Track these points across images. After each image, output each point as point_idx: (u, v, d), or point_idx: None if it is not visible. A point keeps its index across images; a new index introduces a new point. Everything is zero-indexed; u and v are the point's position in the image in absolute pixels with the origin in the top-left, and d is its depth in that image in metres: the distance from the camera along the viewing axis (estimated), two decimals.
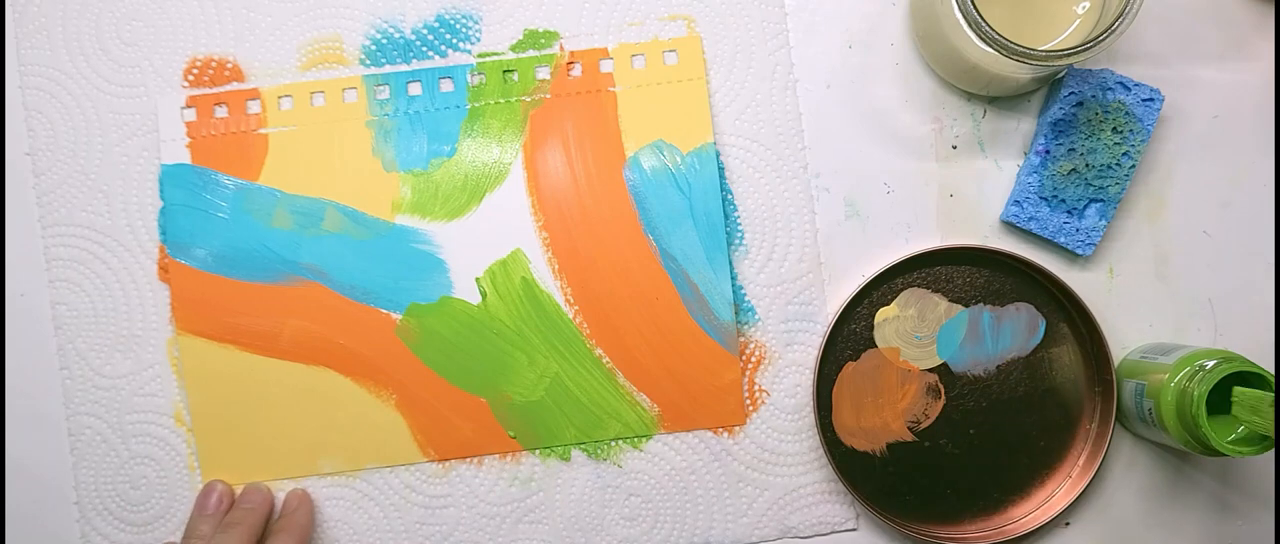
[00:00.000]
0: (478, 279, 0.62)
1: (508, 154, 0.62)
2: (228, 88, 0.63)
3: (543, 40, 0.63)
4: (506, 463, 0.62)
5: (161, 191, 0.62)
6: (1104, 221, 0.61)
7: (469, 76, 0.63)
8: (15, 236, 0.62)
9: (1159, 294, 0.63)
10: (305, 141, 0.62)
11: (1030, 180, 0.61)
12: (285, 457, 0.62)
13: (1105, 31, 0.53)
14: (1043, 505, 0.62)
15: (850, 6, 0.63)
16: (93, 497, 0.62)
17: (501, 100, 0.62)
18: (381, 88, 0.63)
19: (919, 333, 0.62)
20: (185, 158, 0.62)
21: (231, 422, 0.62)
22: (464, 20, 0.63)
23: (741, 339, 0.62)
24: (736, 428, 0.62)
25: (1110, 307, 0.63)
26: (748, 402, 0.62)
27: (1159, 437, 0.59)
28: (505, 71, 0.63)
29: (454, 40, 0.63)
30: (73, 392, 0.62)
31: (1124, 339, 0.63)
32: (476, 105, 0.62)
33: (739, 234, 0.62)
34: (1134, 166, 0.61)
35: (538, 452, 0.62)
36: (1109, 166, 0.61)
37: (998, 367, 0.62)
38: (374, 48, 0.63)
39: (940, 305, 0.62)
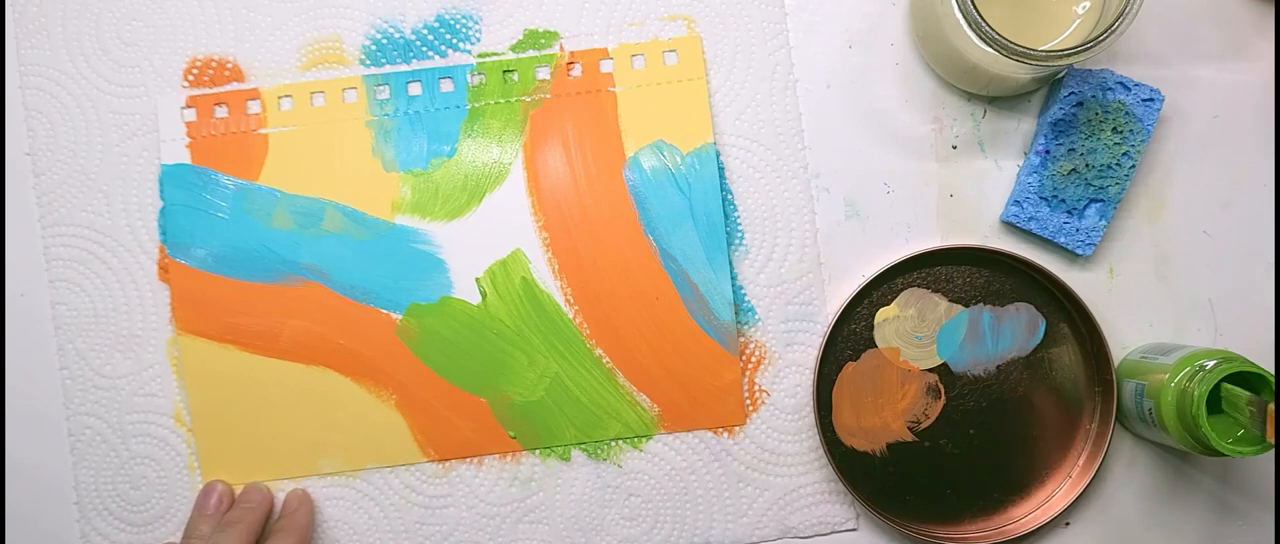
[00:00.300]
0: (478, 279, 0.62)
1: (508, 154, 0.62)
2: (228, 88, 0.63)
3: (543, 40, 0.63)
4: (506, 463, 0.62)
5: (161, 191, 0.62)
6: (1104, 221, 0.61)
7: (469, 76, 0.63)
8: (15, 236, 0.62)
9: (1159, 294, 0.63)
10: (305, 141, 0.62)
11: (1030, 180, 0.61)
12: (285, 457, 0.62)
13: (1105, 31, 0.53)
14: (1043, 505, 0.62)
15: (850, 6, 0.63)
16: (93, 497, 0.62)
17: (501, 100, 0.62)
18: (381, 88, 0.63)
19: (919, 333, 0.62)
20: (185, 158, 0.62)
21: (231, 422, 0.62)
22: (464, 20, 0.63)
23: (741, 339, 0.62)
24: (736, 428, 0.62)
25: (1110, 307, 0.63)
26: (748, 402, 0.62)
27: (1159, 437, 0.59)
28: (505, 71, 0.63)
29: (454, 40, 0.63)
30: (73, 392, 0.62)
31: (1124, 339, 0.63)
32: (476, 105, 0.62)
33: (739, 234, 0.62)
34: (1134, 166, 0.61)
35: (538, 452, 0.62)
36: (1109, 166, 0.61)
37: (998, 367, 0.62)
38: (374, 48, 0.63)
39: (940, 305, 0.62)
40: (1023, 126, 0.63)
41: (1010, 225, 0.63)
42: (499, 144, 0.62)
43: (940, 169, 0.63)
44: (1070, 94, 0.60)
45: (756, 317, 0.62)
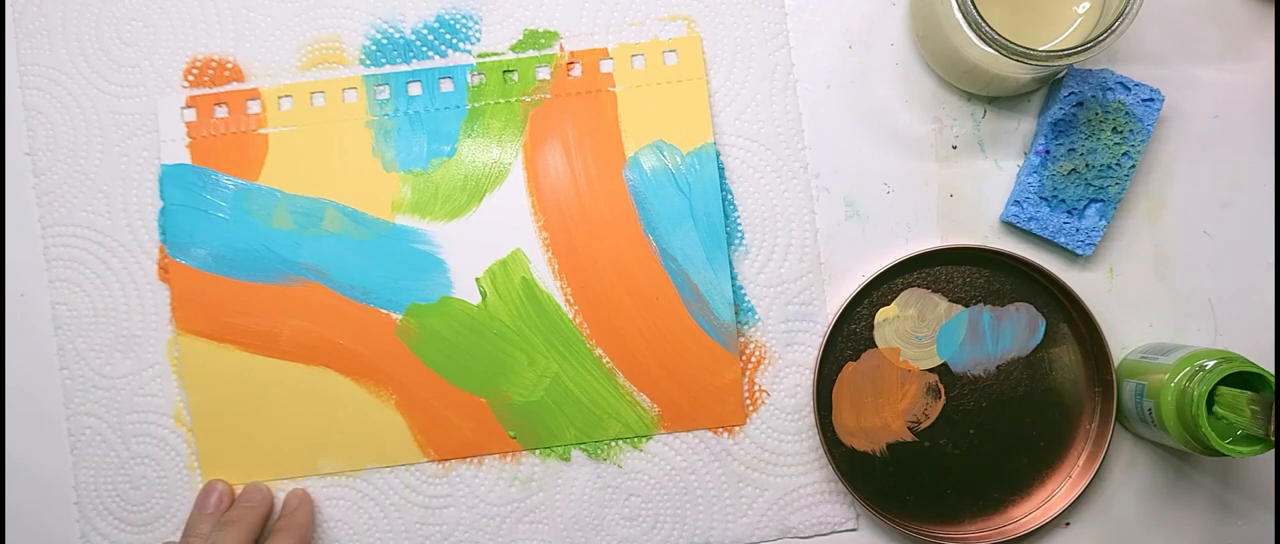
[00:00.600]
0: (478, 279, 0.62)
1: (508, 154, 0.62)
2: (228, 88, 0.63)
3: (543, 40, 0.63)
4: (506, 463, 0.62)
5: (161, 191, 0.62)
6: (1104, 221, 0.61)
7: (469, 76, 0.63)
8: (15, 236, 0.62)
9: (1159, 294, 0.63)
10: (305, 141, 0.62)
11: (1030, 180, 0.61)
12: (285, 457, 0.62)
13: (1105, 31, 0.53)
14: (1043, 505, 0.62)
15: (850, 6, 0.63)
16: (93, 497, 0.62)
17: (501, 100, 0.62)
18: (381, 88, 0.63)
19: (919, 333, 0.62)
20: (185, 158, 0.62)
21: (231, 422, 0.62)
22: (464, 20, 0.63)
23: (741, 339, 0.62)
24: (736, 428, 0.62)
25: (1110, 307, 0.63)
26: (748, 402, 0.62)
27: (1159, 437, 0.59)
28: (505, 71, 0.63)
29: (454, 40, 0.63)
30: (73, 392, 0.62)
31: (1124, 339, 0.63)
32: (476, 105, 0.62)
33: (739, 234, 0.62)
34: (1134, 166, 0.61)
35: (538, 452, 0.62)
36: (1109, 166, 0.61)
37: (998, 367, 0.62)
38: (374, 48, 0.63)
39: (940, 305, 0.62)
40: (1023, 126, 0.63)
41: (1010, 225, 0.63)
42: (499, 144, 0.62)
43: (940, 169, 0.63)
44: (1070, 94, 0.60)
45: (756, 317, 0.62)
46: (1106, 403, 0.61)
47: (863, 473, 0.62)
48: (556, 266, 0.62)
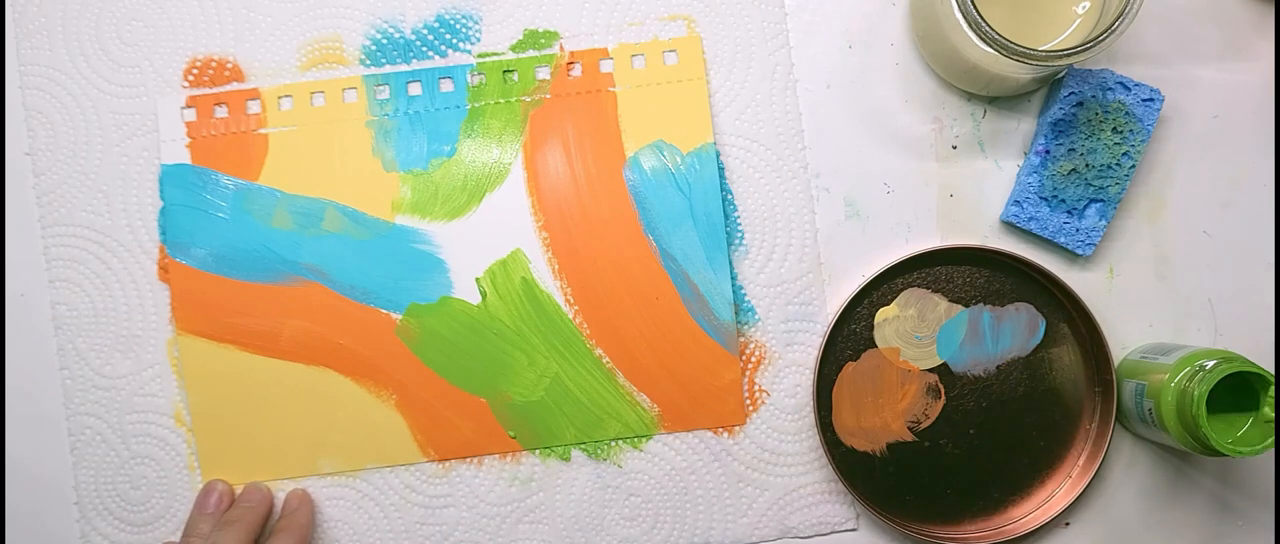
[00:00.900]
0: (478, 279, 0.62)
1: (508, 154, 0.62)
2: (228, 88, 0.63)
3: (543, 40, 0.63)
4: (506, 463, 0.62)
5: (161, 191, 0.62)
6: (1104, 221, 0.61)
7: (469, 76, 0.63)
8: (15, 236, 0.62)
9: (1159, 294, 0.63)
10: (305, 141, 0.62)
11: (1030, 180, 0.61)
12: (285, 457, 0.62)
13: (1105, 31, 0.53)
14: (1043, 505, 0.62)
15: (850, 6, 0.63)
16: (93, 497, 0.62)
17: (501, 100, 0.62)
18: (381, 88, 0.63)
19: (919, 333, 0.62)
20: (185, 158, 0.62)
21: (231, 422, 0.62)
22: (464, 20, 0.63)
23: (741, 339, 0.62)
24: (736, 428, 0.62)
25: (1110, 307, 0.63)
26: (748, 402, 0.62)
27: (1159, 437, 0.59)
28: (505, 71, 0.63)
29: (454, 40, 0.63)
30: (73, 392, 0.62)
31: (1124, 339, 0.63)
32: (476, 105, 0.62)
33: (739, 234, 0.62)
34: (1134, 166, 0.61)
35: (538, 452, 0.62)
36: (1109, 166, 0.61)
37: (998, 367, 0.62)
38: (374, 48, 0.63)
39: (940, 305, 0.62)
40: (1023, 126, 0.63)
41: (1010, 225, 0.63)
42: (499, 144, 0.62)
43: (940, 169, 0.63)
44: (1070, 94, 0.60)
45: (756, 317, 0.62)
46: (1106, 403, 0.61)
47: (863, 473, 0.62)
48: (556, 267, 0.62)
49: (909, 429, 0.62)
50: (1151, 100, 0.61)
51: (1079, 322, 0.62)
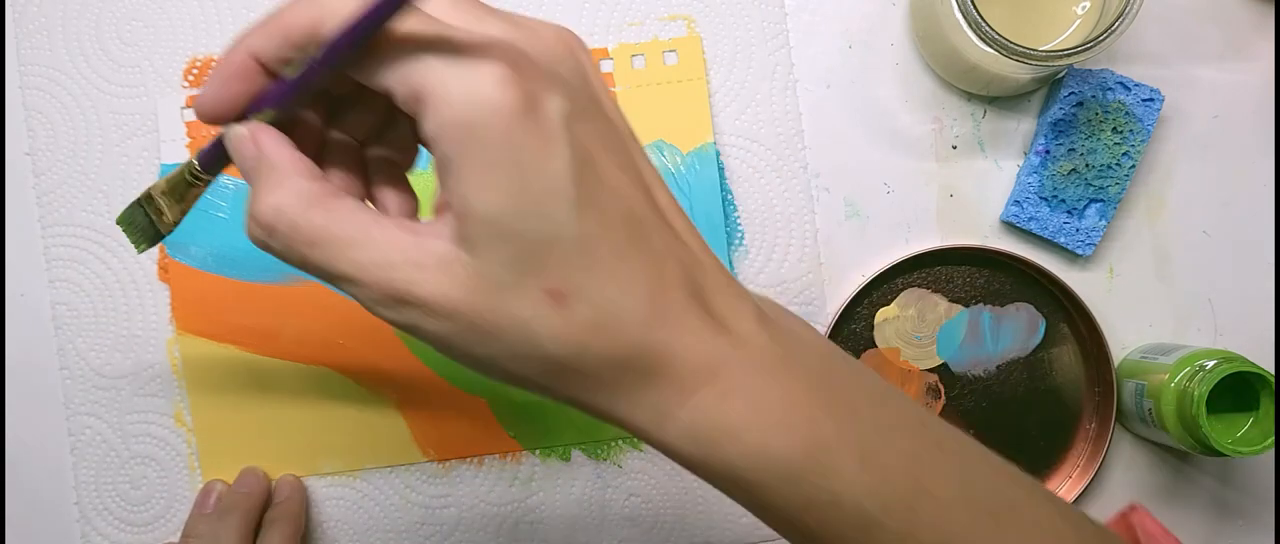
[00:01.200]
0: None
1: None
2: None
3: None
4: (506, 463, 0.62)
5: None
6: (1104, 221, 0.61)
7: None
8: (15, 236, 0.62)
9: (1159, 294, 0.63)
10: None
11: (1030, 180, 0.61)
12: (285, 456, 0.62)
13: (1105, 31, 0.53)
14: None
15: (850, 6, 0.63)
16: (93, 497, 0.62)
17: None
18: None
19: (919, 333, 0.62)
20: (185, 158, 0.62)
21: (231, 422, 0.62)
22: None
23: None
24: None
25: (1110, 306, 0.63)
26: None
27: (1159, 437, 0.59)
28: None
29: None
30: (73, 392, 0.62)
31: (1124, 339, 0.63)
32: None
33: (739, 234, 0.62)
34: (1134, 166, 0.61)
35: (538, 452, 0.62)
36: (1109, 166, 0.61)
37: (998, 367, 0.62)
38: None
39: (940, 305, 0.62)
40: (1023, 126, 0.63)
41: (1010, 225, 0.63)
42: None
43: (940, 169, 0.63)
44: (1070, 94, 0.60)
45: None
46: (1106, 403, 0.61)
47: None
48: None
49: None
50: (1151, 100, 0.61)
51: (1079, 322, 0.62)
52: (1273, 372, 0.55)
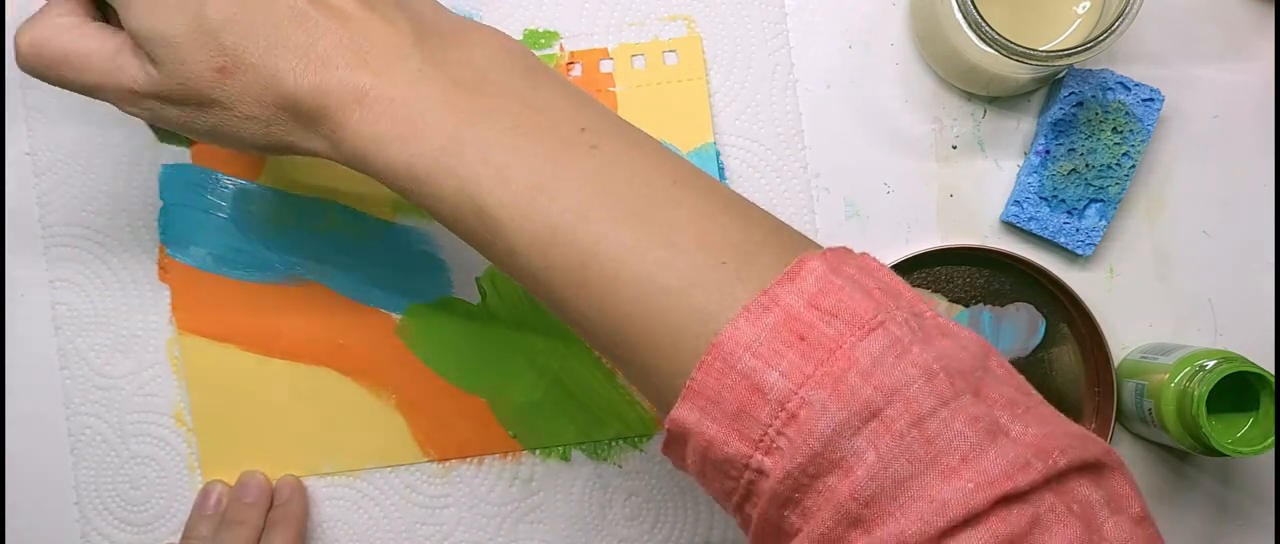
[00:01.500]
0: (478, 279, 0.62)
1: None
2: None
3: (542, 40, 0.63)
4: (506, 463, 0.62)
5: (161, 192, 0.62)
6: (1104, 221, 0.61)
7: None
8: (15, 236, 0.62)
9: (1159, 294, 0.63)
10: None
11: (1030, 180, 0.61)
12: (285, 456, 0.62)
13: (1105, 31, 0.54)
14: None
15: (850, 6, 0.63)
16: (93, 497, 0.62)
17: None
18: None
19: None
20: (185, 158, 0.62)
21: (232, 422, 0.62)
22: None
23: None
24: None
25: (1110, 306, 0.63)
26: None
27: (1159, 437, 0.59)
28: None
29: None
30: (73, 392, 0.62)
31: (1124, 339, 0.63)
32: None
33: None
34: (1134, 166, 0.61)
35: (538, 452, 0.62)
36: (1109, 166, 0.61)
37: None
38: None
39: (940, 305, 0.62)
40: (1023, 126, 0.63)
41: (1010, 225, 0.63)
42: None
43: (940, 169, 0.63)
44: (1070, 94, 0.60)
45: None
46: (1106, 403, 0.61)
47: None
48: None
49: None
50: (1151, 100, 0.61)
51: (1079, 322, 0.62)
52: (1273, 372, 0.55)
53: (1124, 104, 0.61)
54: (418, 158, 0.42)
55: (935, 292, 0.62)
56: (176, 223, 0.62)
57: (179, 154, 0.62)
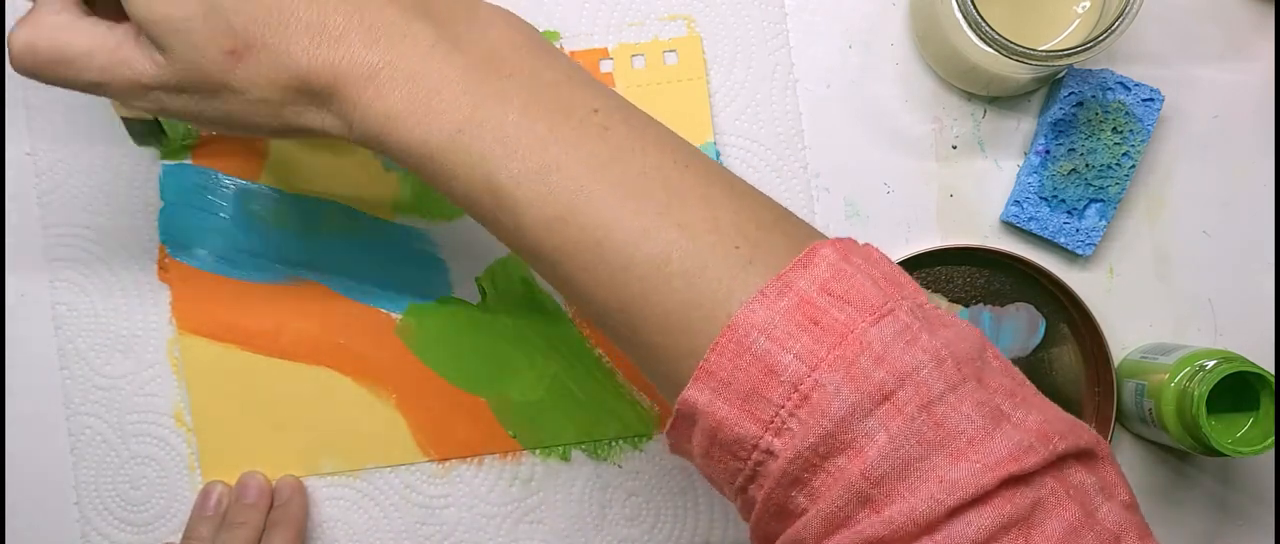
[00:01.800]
0: (478, 279, 0.62)
1: None
2: None
3: None
4: (506, 463, 0.62)
5: (162, 192, 0.62)
6: (1104, 221, 0.61)
7: None
8: (15, 236, 0.62)
9: (1159, 294, 0.63)
10: (305, 141, 0.62)
11: (1030, 180, 0.61)
12: (285, 456, 0.62)
13: (1105, 31, 0.54)
14: None
15: (850, 6, 0.63)
16: (93, 497, 0.62)
17: None
18: None
19: None
20: (186, 158, 0.62)
21: (232, 422, 0.62)
22: None
23: None
24: None
25: (1110, 306, 0.63)
26: None
27: (1159, 437, 0.59)
28: None
29: None
30: (73, 392, 0.62)
31: (1124, 339, 0.63)
32: None
33: None
34: (1134, 166, 0.61)
35: (538, 452, 0.62)
36: (1109, 166, 0.61)
37: None
38: None
39: (940, 305, 0.62)
40: (1023, 126, 0.63)
41: (1010, 225, 0.63)
42: None
43: (940, 169, 0.63)
44: (1070, 94, 0.60)
45: None
46: (1106, 403, 0.61)
47: None
48: None
49: None
50: (1151, 100, 0.61)
51: (1079, 322, 0.62)
52: (1273, 372, 0.55)
53: (1124, 104, 0.61)
54: (433, 135, 0.42)
55: (935, 291, 0.62)
56: (176, 223, 0.62)
57: (179, 154, 0.62)
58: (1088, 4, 0.59)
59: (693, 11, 0.63)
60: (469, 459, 0.62)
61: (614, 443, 0.62)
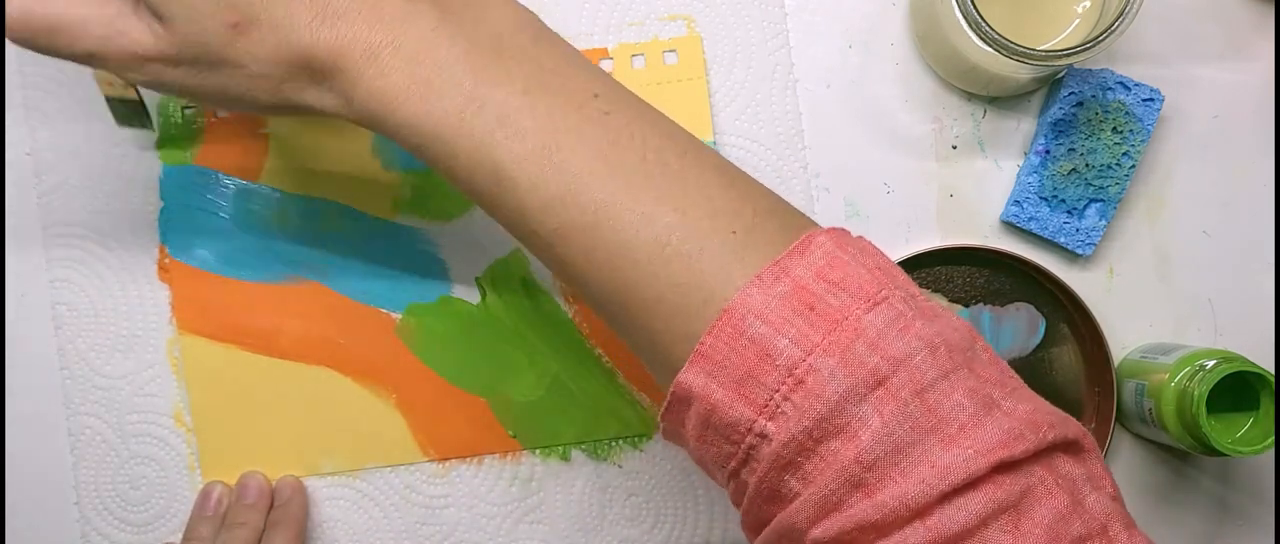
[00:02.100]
0: (478, 279, 0.62)
1: None
2: None
3: None
4: (506, 463, 0.62)
5: (162, 191, 0.62)
6: (1104, 221, 0.61)
7: None
8: (15, 236, 0.62)
9: (1159, 294, 0.63)
10: (306, 141, 0.62)
11: (1030, 180, 0.61)
12: (285, 456, 0.62)
13: (1105, 31, 0.54)
14: None
15: (850, 6, 0.63)
16: (93, 497, 0.62)
17: None
18: None
19: None
20: (186, 159, 0.62)
21: (231, 422, 0.62)
22: None
23: None
24: None
25: (1110, 306, 0.63)
26: None
27: (1159, 437, 0.59)
28: None
29: None
30: (73, 392, 0.62)
31: (1124, 339, 0.63)
32: None
33: None
34: (1134, 166, 0.61)
35: (538, 452, 0.62)
36: (1109, 166, 0.61)
37: None
38: None
39: (940, 305, 0.62)
40: (1023, 126, 0.63)
41: (1010, 225, 0.63)
42: None
43: (940, 169, 0.63)
44: (1070, 94, 0.60)
45: None
46: (1106, 403, 0.61)
47: None
48: None
49: None
50: (1151, 100, 0.61)
51: (1079, 322, 0.62)
52: (1273, 372, 0.55)
53: (1124, 104, 0.61)
54: (434, 115, 0.42)
55: (935, 291, 0.62)
56: (177, 223, 0.62)
57: (180, 156, 0.62)
58: (1088, 4, 0.59)
59: (693, 11, 0.63)
60: (469, 459, 0.62)
61: (614, 443, 0.62)
